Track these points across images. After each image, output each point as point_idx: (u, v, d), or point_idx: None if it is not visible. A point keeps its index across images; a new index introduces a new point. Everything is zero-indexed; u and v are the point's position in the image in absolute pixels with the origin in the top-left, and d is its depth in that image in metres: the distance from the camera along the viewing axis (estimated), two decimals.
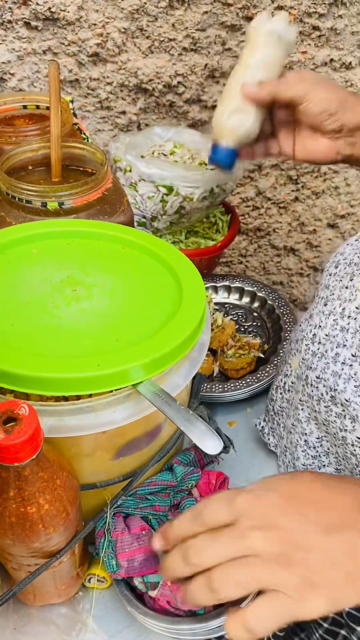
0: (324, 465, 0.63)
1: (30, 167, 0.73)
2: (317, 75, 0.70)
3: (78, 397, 0.49)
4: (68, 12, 0.93)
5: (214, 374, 0.79)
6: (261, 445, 0.73)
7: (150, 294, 0.57)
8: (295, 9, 0.97)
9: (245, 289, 0.89)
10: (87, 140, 0.76)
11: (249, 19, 0.97)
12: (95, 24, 0.95)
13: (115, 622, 0.57)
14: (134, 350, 0.49)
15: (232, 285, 0.89)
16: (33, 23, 0.94)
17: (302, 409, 0.63)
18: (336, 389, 0.56)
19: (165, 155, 0.90)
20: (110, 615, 0.58)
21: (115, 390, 0.48)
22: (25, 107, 0.81)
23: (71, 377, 0.46)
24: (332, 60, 1.04)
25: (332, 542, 0.40)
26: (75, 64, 1.00)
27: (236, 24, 0.98)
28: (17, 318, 0.51)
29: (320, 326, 0.60)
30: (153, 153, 0.90)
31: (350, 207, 1.25)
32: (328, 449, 0.62)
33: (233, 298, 0.89)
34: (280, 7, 0.96)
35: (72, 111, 0.78)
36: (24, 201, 0.64)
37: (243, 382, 0.75)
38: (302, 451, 0.64)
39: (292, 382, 0.65)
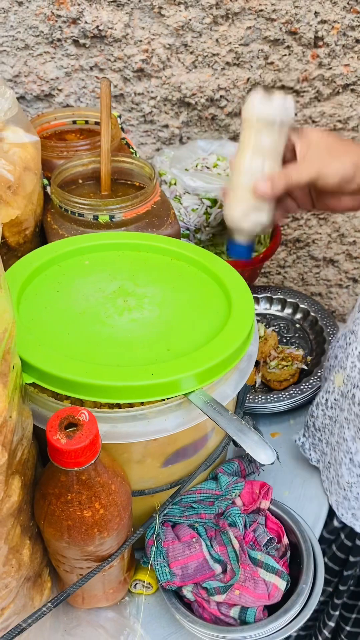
0: None
1: (80, 181, 0.75)
2: (322, 141, 0.66)
3: (131, 405, 0.51)
4: (115, 29, 0.96)
5: (256, 385, 0.80)
6: (304, 456, 0.73)
7: (200, 305, 0.58)
8: (338, 22, 0.97)
9: (287, 300, 0.89)
10: (136, 155, 0.78)
11: (292, 33, 0.98)
12: (140, 41, 0.98)
13: (162, 629, 0.58)
14: (185, 360, 0.50)
15: (273, 297, 0.90)
16: (81, 41, 0.97)
17: (347, 428, 0.62)
18: None
19: (208, 168, 0.92)
20: (156, 621, 0.58)
21: (168, 399, 0.50)
22: (74, 122, 0.84)
23: (125, 385, 0.48)
24: None
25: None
26: (120, 79, 1.02)
27: (279, 39, 0.99)
28: (72, 327, 0.53)
29: None
30: (197, 166, 0.92)
31: None
32: None
33: (275, 309, 0.90)
34: (323, 22, 0.97)
35: (120, 126, 0.80)
36: (77, 214, 0.66)
37: (286, 393, 0.75)
38: (346, 469, 0.64)
39: (335, 400, 0.65)
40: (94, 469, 0.43)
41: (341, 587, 0.74)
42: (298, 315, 0.88)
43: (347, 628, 0.78)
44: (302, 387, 0.76)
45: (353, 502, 0.65)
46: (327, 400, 0.66)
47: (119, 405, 0.51)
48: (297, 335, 0.86)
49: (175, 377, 0.48)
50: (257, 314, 0.90)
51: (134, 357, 0.51)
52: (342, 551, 0.73)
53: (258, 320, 0.88)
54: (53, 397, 0.50)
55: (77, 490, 0.44)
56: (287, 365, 0.78)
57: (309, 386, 0.76)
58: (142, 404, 0.50)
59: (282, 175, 0.64)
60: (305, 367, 0.80)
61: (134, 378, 0.48)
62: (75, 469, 0.42)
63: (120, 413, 0.49)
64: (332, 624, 0.77)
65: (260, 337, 0.82)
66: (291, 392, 0.75)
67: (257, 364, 0.81)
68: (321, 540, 0.71)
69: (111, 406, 0.51)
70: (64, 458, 0.41)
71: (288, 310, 0.89)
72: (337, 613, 0.76)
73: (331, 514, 0.70)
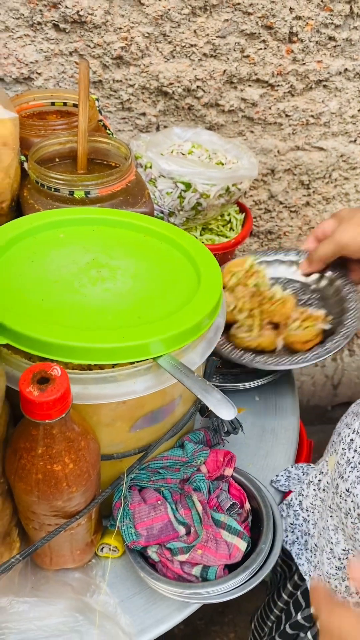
0: (348, 578, 0.59)
1: (57, 160, 0.77)
2: (348, 215, 0.78)
3: (101, 367, 0.53)
4: (95, 15, 0.97)
5: (278, 348, 0.77)
6: (268, 430, 0.76)
7: (170, 278, 0.60)
8: (312, 19, 1.01)
9: (300, 261, 0.85)
10: (112, 136, 0.80)
11: (268, 27, 1.01)
12: (120, 28, 0.99)
13: (126, 589, 0.60)
14: (155, 326, 0.52)
15: (284, 260, 0.86)
16: (61, 25, 0.98)
17: (331, 516, 0.60)
18: None
19: (183, 154, 0.94)
20: (122, 583, 0.61)
21: (137, 362, 0.52)
22: (53, 103, 0.85)
23: (96, 347, 0.50)
24: (346, 70, 1.08)
25: None
26: (99, 66, 1.04)
27: (255, 32, 1.02)
28: (46, 294, 0.55)
29: (359, 433, 0.56)
30: (172, 152, 0.94)
31: None
32: None
33: (288, 272, 0.86)
34: (298, 17, 1.00)
35: (97, 109, 0.82)
36: (52, 189, 0.68)
37: (271, 358, 0.73)
38: (327, 558, 0.61)
39: (327, 483, 0.61)
40: (65, 424, 0.45)
41: None
42: (313, 277, 0.84)
43: None
44: (326, 346, 0.73)
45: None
46: (320, 481, 0.63)
47: (89, 367, 0.53)
48: (314, 296, 0.83)
49: (145, 341, 0.51)
50: (271, 278, 0.85)
51: (105, 322, 0.53)
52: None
53: (272, 283, 0.85)
54: (26, 359, 0.52)
55: (48, 444, 0.45)
56: (309, 326, 0.75)
57: (335, 345, 0.72)
58: (112, 366, 0.52)
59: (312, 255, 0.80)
60: (329, 327, 0.77)
61: (105, 340, 0.50)
62: (47, 421, 0.44)
63: (91, 374, 0.51)
64: None
65: (277, 300, 0.79)
66: (308, 354, 0.73)
67: (277, 326, 0.78)
68: (295, 626, 0.68)
69: (82, 368, 0.53)
70: (36, 410, 0.43)
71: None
72: None
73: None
